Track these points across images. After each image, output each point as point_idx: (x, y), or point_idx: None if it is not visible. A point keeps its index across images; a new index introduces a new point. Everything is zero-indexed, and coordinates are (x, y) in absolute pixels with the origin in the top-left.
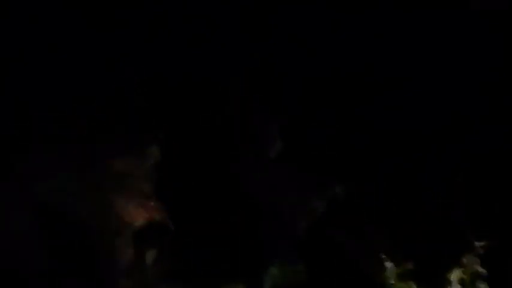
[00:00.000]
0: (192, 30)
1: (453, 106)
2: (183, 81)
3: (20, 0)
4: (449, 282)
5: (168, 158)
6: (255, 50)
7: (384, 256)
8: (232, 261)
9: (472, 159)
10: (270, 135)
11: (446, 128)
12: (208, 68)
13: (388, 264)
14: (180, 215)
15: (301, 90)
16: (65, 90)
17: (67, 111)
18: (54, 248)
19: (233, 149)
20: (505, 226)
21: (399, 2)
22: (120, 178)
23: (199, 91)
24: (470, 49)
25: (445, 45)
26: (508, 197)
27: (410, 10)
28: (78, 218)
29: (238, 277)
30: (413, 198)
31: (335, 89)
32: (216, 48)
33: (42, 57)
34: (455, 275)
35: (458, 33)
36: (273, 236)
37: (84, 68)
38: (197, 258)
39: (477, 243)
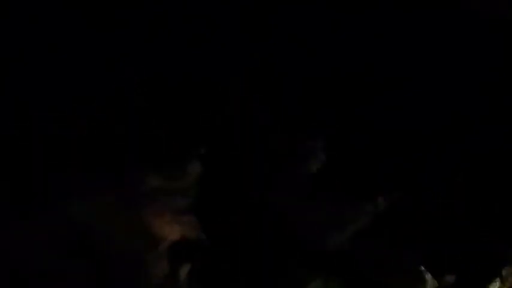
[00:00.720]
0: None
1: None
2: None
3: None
4: None
5: (205, 174)
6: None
7: (423, 269)
8: (270, 277)
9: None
10: (312, 150)
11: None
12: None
13: (428, 277)
14: (215, 231)
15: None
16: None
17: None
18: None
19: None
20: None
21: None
22: (154, 193)
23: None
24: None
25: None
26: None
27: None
28: (109, 235)
29: None
30: (446, 210)
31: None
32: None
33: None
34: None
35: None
36: (311, 251)
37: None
38: (231, 275)
39: None
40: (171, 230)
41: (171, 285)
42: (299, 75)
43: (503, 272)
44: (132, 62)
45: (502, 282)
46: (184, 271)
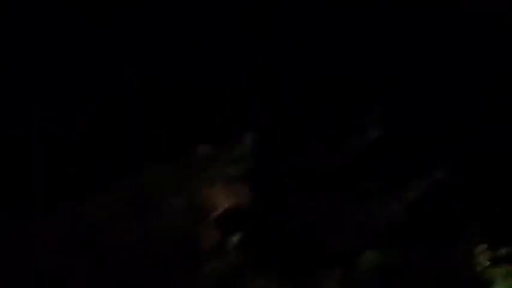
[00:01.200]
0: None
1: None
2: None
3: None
4: None
5: (258, 144)
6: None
7: (477, 239)
8: (321, 247)
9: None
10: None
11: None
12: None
13: (482, 248)
14: (267, 201)
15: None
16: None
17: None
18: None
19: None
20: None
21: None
22: (207, 162)
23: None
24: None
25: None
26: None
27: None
28: (160, 204)
29: (329, 262)
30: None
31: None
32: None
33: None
34: None
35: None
36: (366, 223)
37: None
38: (283, 245)
39: None
40: (221, 199)
41: (219, 255)
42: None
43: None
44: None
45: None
46: (232, 241)
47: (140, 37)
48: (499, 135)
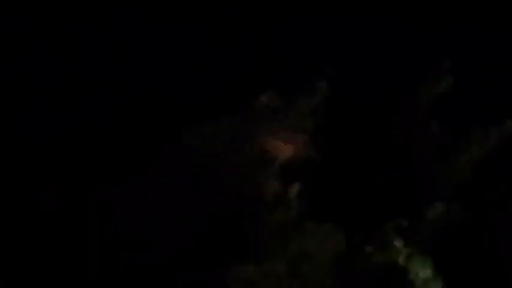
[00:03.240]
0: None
1: None
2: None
3: None
4: None
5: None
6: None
7: None
8: (390, 198)
9: None
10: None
11: None
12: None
13: None
14: (335, 154)
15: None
16: None
17: None
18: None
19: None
20: None
21: None
22: (273, 113)
23: None
24: None
25: None
26: None
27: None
28: (226, 154)
29: (399, 213)
30: None
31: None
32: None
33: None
34: None
35: None
36: (434, 180)
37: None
38: (347, 196)
39: None
40: (284, 149)
41: (280, 204)
42: None
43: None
44: None
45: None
46: (294, 190)
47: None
48: None
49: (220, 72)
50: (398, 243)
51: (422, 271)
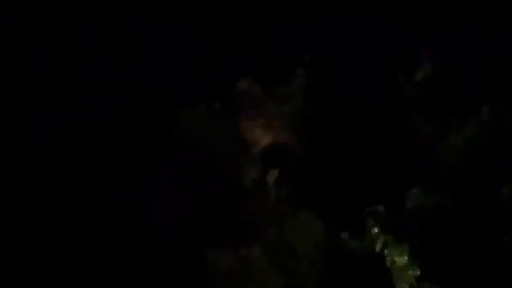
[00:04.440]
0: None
1: None
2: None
3: None
4: None
5: (310, 82)
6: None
7: None
8: (368, 185)
9: None
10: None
11: None
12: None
13: None
14: (314, 141)
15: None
16: None
17: None
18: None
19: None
20: None
21: None
22: (247, 100)
23: None
24: None
25: None
26: None
27: None
28: (209, 138)
29: (376, 199)
30: None
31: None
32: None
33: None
34: None
35: None
36: (417, 161)
37: None
38: (324, 182)
39: None
40: (263, 135)
41: (260, 189)
42: None
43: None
44: None
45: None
46: (273, 176)
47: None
48: None
49: (199, 59)
50: (374, 230)
51: (399, 258)
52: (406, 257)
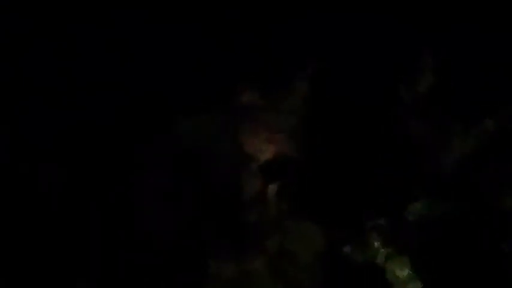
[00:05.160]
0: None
1: None
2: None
3: None
4: None
5: (313, 94)
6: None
7: None
8: (370, 198)
9: None
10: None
11: None
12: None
13: None
14: (316, 153)
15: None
16: None
17: None
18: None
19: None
20: None
21: None
22: (254, 112)
23: None
24: None
25: None
26: None
27: None
28: (210, 151)
29: (378, 212)
30: None
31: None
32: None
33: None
34: None
35: None
36: (418, 172)
37: None
38: (326, 195)
39: None
40: (265, 148)
41: (260, 202)
42: None
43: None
44: None
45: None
46: (273, 189)
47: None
48: None
49: (201, 69)
50: (376, 242)
51: (400, 271)
52: (407, 270)
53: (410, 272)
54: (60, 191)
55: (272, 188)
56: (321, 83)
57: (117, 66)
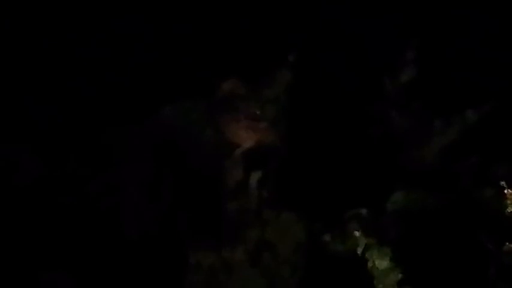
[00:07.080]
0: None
1: None
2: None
3: None
4: None
5: (295, 83)
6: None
7: (503, 183)
8: (351, 188)
9: None
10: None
11: None
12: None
13: (508, 192)
14: (297, 142)
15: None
16: None
17: None
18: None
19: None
20: None
21: None
22: (236, 100)
23: None
24: None
25: None
26: None
27: None
28: (191, 139)
29: (359, 202)
30: None
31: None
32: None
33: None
34: None
35: None
36: (399, 163)
37: None
38: (308, 184)
39: None
40: (246, 137)
41: (242, 191)
42: None
43: None
44: None
45: None
46: (255, 178)
47: None
48: None
49: (183, 58)
50: (357, 233)
51: (380, 262)
52: (387, 261)
53: (391, 263)
54: (36, 177)
55: (254, 177)
56: (303, 73)
57: (100, 56)
